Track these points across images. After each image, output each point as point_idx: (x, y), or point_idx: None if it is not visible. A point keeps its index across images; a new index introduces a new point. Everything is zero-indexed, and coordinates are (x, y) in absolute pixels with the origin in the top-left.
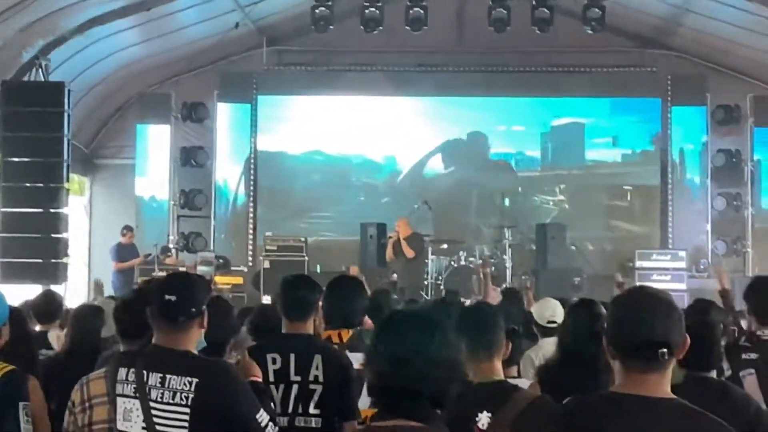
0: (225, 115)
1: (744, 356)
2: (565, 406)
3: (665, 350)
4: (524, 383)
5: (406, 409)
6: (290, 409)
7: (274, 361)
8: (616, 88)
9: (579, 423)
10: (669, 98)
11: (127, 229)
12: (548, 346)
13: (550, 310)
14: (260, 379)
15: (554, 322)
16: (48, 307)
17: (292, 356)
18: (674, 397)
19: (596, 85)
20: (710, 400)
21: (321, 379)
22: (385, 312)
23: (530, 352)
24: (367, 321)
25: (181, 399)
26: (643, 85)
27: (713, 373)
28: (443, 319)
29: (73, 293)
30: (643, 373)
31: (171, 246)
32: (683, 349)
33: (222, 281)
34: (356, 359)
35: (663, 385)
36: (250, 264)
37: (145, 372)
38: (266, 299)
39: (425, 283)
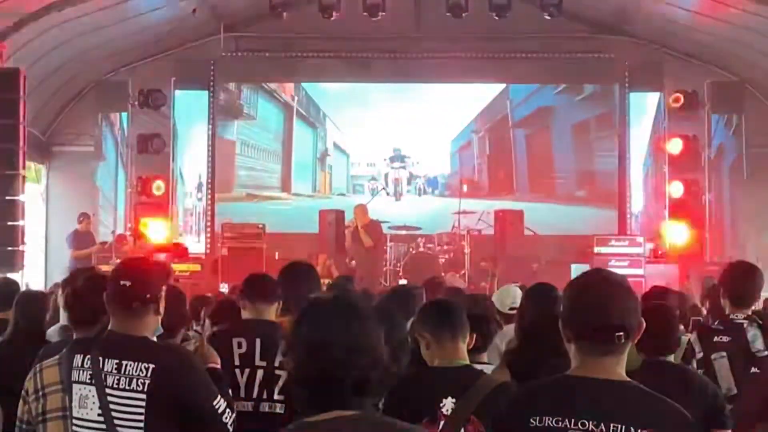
0: (183, 102)
1: (716, 339)
2: (521, 391)
3: (621, 333)
4: (491, 368)
5: (331, 400)
6: (255, 395)
7: (239, 345)
8: (574, 74)
9: (534, 407)
10: (626, 84)
11: (84, 216)
12: (512, 332)
13: (511, 297)
14: (218, 366)
15: (516, 308)
16: (5, 294)
17: (258, 341)
18: (629, 380)
19: (553, 71)
20: (668, 384)
21: None
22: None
23: (496, 338)
24: None
25: (138, 385)
26: (600, 71)
27: (671, 358)
28: (365, 305)
29: (30, 281)
30: (598, 357)
31: (128, 234)
32: (639, 332)
33: (179, 268)
34: None
35: (618, 368)
36: (208, 251)
37: (101, 358)
38: (224, 287)
39: (384, 269)
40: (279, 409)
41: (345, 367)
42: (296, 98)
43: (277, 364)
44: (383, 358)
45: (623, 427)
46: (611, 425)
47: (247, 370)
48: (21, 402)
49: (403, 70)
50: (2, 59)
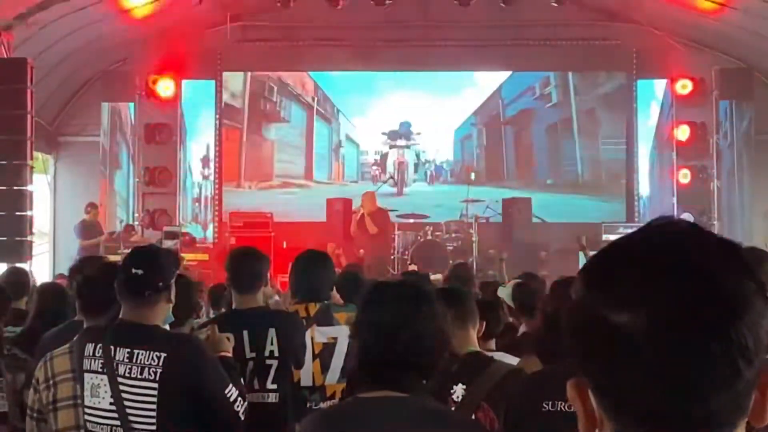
0: (190, 91)
1: None
2: (533, 377)
3: None
4: (502, 357)
5: (391, 380)
6: (246, 386)
7: (228, 340)
8: (581, 62)
9: (547, 392)
10: (634, 72)
11: (91, 206)
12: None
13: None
14: (230, 355)
15: None
16: (17, 284)
17: (245, 333)
18: None
19: (560, 59)
20: None
21: (277, 353)
22: (356, 287)
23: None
24: (335, 295)
25: (150, 374)
26: (608, 59)
27: None
28: (429, 290)
29: (38, 271)
30: None
31: (136, 223)
32: None
33: (187, 258)
34: (322, 334)
35: None
36: (216, 241)
37: (112, 347)
38: None
39: (392, 258)
40: (272, 398)
41: (412, 351)
42: (316, 99)
43: (267, 353)
44: (448, 342)
45: None
46: None
47: (237, 365)
48: (31, 391)
49: (410, 58)
50: (9, 49)
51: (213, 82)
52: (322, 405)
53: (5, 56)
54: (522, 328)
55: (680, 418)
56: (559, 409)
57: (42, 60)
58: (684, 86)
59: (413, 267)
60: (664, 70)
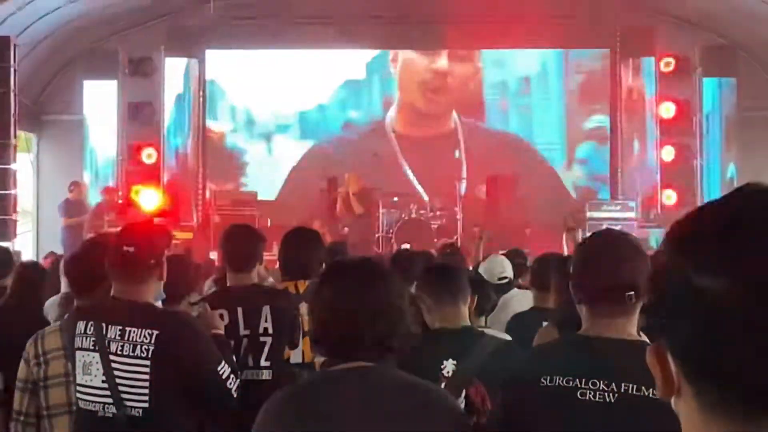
0: (174, 69)
1: None
2: (532, 352)
3: (632, 293)
4: (493, 333)
5: (353, 353)
6: (239, 363)
7: (222, 317)
8: (565, 39)
9: (545, 367)
10: (618, 49)
11: (75, 185)
12: (514, 304)
13: (500, 267)
14: (222, 332)
15: (505, 277)
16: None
17: (240, 310)
18: (642, 339)
19: (544, 36)
20: None
21: (270, 330)
22: None
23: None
24: None
25: (142, 351)
26: (592, 36)
27: None
28: (386, 267)
29: (21, 250)
30: (610, 317)
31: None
32: None
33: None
34: None
35: (630, 328)
36: (200, 219)
37: (104, 325)
38: (215, 254)
39: (376, 236)
40: (266, 375)
41: (369, 329)
42: None
43: (261, 330)
44: (407, 317)
45: (635, 386)
46: (623, 385)
47: (231, 342)
48: (22, 364)
49: (398, 36)
50: None
51: (198, 59)
52: None
53: None
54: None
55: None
56: (557, 384)
57: (25, 38)
58: (667, 64)
59: (406, 245)
60: (648, 47)
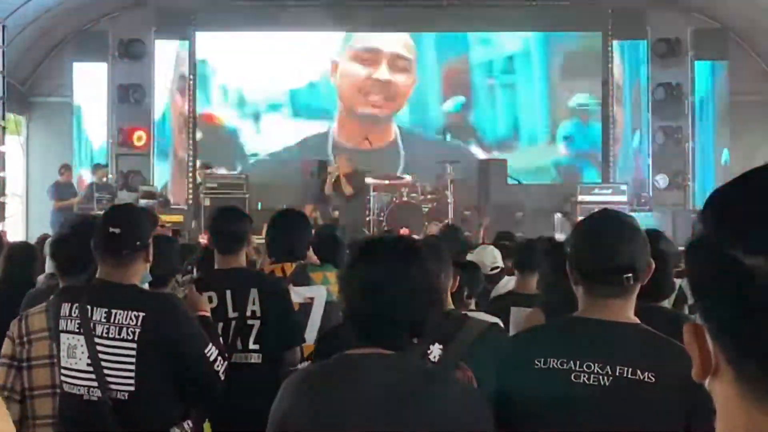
0: (163, 51)
1: None
2: (525, 333)
3: (630, 275)
4: (483, 317)
5: (380, 338)
6: (228, 346)
7: (210, 300)
8: (557, 22)
9: (539, 349)
10: (610, 32)
11: (65, 167)
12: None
13: (491, 257)
14: (209, 314)
15: (497, 267)
16: None
17: (228, 293)
18: (638, 322)
19: (536, 19)
20: (662, 329)
21: (258, 313)
22: (333, 246)
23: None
24: (311, 255)
25: (128, 334)
26: (584, 19)
27: (665, 303)
28: (420, 246)
29: (10, 232)
30: (606, 299)
31: (111, 183)
32: (648, 274)
33: (162, 219)
34: (298, 294)
35: (627, 310)
36: (190, 202)
37: (89, 307)
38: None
39: (367, 219)
40: (255, 359)
41: (401, 308)
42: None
43: (249, 313)
44: (441, 298)
45: (629, 369)
46: (617, 367)
47: (220, 324)
48: (7, 341)
49: (387, 18)
50: None
51: (188, 41)
52: (300, 366)
53: None
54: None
55: None
56: (551, 366)
57: (14, 20)
58: (659, 47)
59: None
60: (640, 30)
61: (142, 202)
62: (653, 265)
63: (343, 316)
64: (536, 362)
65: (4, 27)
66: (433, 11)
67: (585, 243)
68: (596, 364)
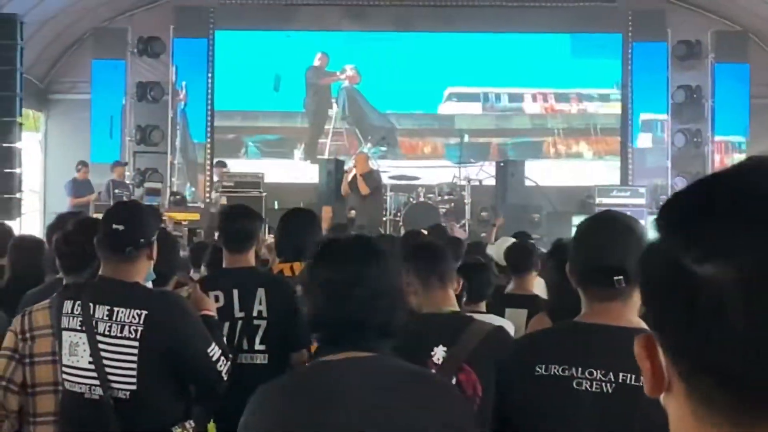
0: (182, 50)
1: None
2: (526, 338)
3: (621, 277)
4: (493, 319)
5: (352, 341)
6: (234, 346)
7: (217, 299)
8: (576, 23)
9: (540, 355)
10: (630, 34)
11: (82, 164)
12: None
13: (506, 246)
14: (212, 313)
15: None
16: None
17: (235, 292)
18: (640, 326)
19: (556, 20)
20: None
21: (265, 314)
22: None
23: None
24: None
25: (130, 332)
26: (603, 20)
27: None
28: (381, 246)
29: (28, 228)
30: (604, 302)
31: (127, 182)
32: None
33: (179, 217)
34: None
35: (629, 313)
36: (208, 200)
37: (91, 304)
38: None
39: (383, 219)
40: (260, 359)
41: (367, 309)
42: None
43: (255, 313)
44: (405, 299)
45: (633, 376)
46: (620, 374)
47: (227, 324)
48: (9, 335)
49: (403, 18)
50: None
51: (206, 40)
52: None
53: None
54: (510, 287)
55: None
56: (552, 373)
57: (33, 16)
58: (679, 49)
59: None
60: (660, 32)
61: (147, 198)
62: None
63: (306, 320)
64: (537, 368)
65: (22, 23)
66: (450, 11)
67: (578, 244)
68: (598, 371)
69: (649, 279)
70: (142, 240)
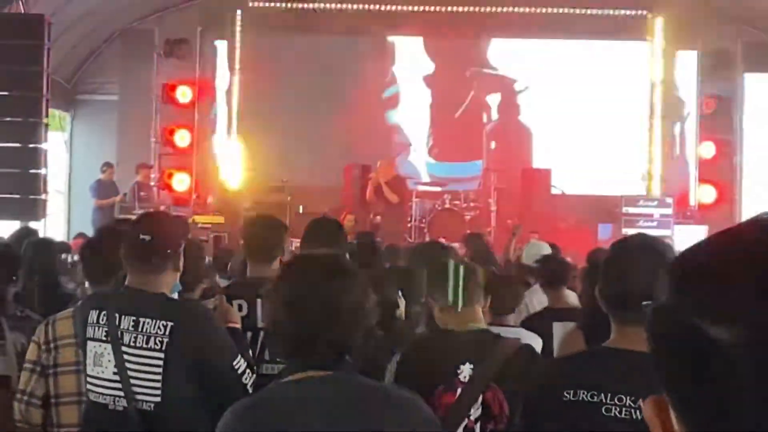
0: (209, 52)
1: None
2: (554, 363)
3: (648, 303)
4: (520, 334)
5: (304, 355)
6: (256, 356)
7: (240, 308)
8: (607, 31)
9: (569, 380)
10: (658, 41)
11: (107, 165)
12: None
13: (536, 249)
14: (238, 325)
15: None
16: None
17: (258, 302)
18: None
19: (588, 27)
20: None
21: None
22: (372, 253)
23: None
24: None
25: (156, 343)
26: (635, 28)
27: None
28: (348, 264)
29: (53, 229)
30: (633, 327)
31: (152, 184)
32: None
33: (203, 221)
34: None
35: None
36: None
37: (117, 315)
38: None
39: (409, 226)
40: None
41: (321, 325)
42: None
43: None
44: (367, 319)
45: None
46: None
47: (249, 333)
48: (33, 346)
49: (431, 24)
50: (27, 6)
51: (233, 42)
52: None
53: (22, 12)
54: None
55: None
56: (581, 398)
57: (60, 17)
58: (709, 58)
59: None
60: (690, 41)
61: (176, 208)
62: None
63: (265, 333)
64: (565, 394)
65: (49, 24)
66: (479, 17)
67: (606, 268)
68: (628, 397)
69: (660, 339)
70: (168, 251)
